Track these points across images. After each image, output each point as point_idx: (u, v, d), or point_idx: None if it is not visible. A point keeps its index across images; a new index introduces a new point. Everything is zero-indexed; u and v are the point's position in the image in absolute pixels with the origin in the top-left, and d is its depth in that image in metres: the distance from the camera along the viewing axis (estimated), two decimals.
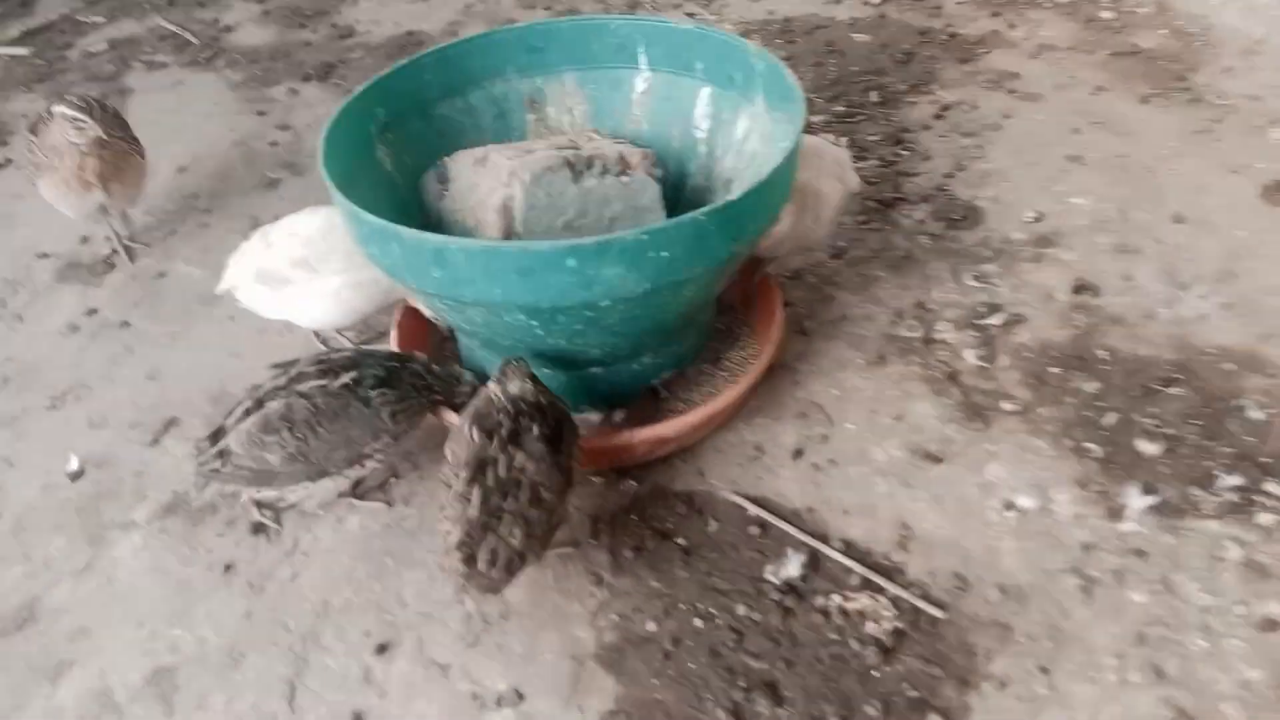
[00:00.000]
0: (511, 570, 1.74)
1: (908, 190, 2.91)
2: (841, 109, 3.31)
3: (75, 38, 4.49)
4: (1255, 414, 2.16)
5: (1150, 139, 3.01)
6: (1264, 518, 1.96)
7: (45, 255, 3.08)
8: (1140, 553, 1.93)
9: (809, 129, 2.82)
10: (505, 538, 1.71)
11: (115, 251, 2.98)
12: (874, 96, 3.33)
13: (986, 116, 3.17)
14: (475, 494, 1.72)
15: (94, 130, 2.65)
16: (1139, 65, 3.35)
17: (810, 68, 3.55)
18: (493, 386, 1.87)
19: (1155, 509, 2.00)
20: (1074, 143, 3.03)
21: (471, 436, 1.78)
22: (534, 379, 1.89)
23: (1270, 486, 2.01)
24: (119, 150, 2.76)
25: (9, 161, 3.60)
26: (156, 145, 2.92)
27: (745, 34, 3.78)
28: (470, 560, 1.70)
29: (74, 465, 2.34)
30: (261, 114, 3.71)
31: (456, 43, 2.30)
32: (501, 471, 1.74)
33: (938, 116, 3.20)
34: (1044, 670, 1.77)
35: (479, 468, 1.74)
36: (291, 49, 4.15)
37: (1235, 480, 2.03)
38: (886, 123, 3.20)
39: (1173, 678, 1.75)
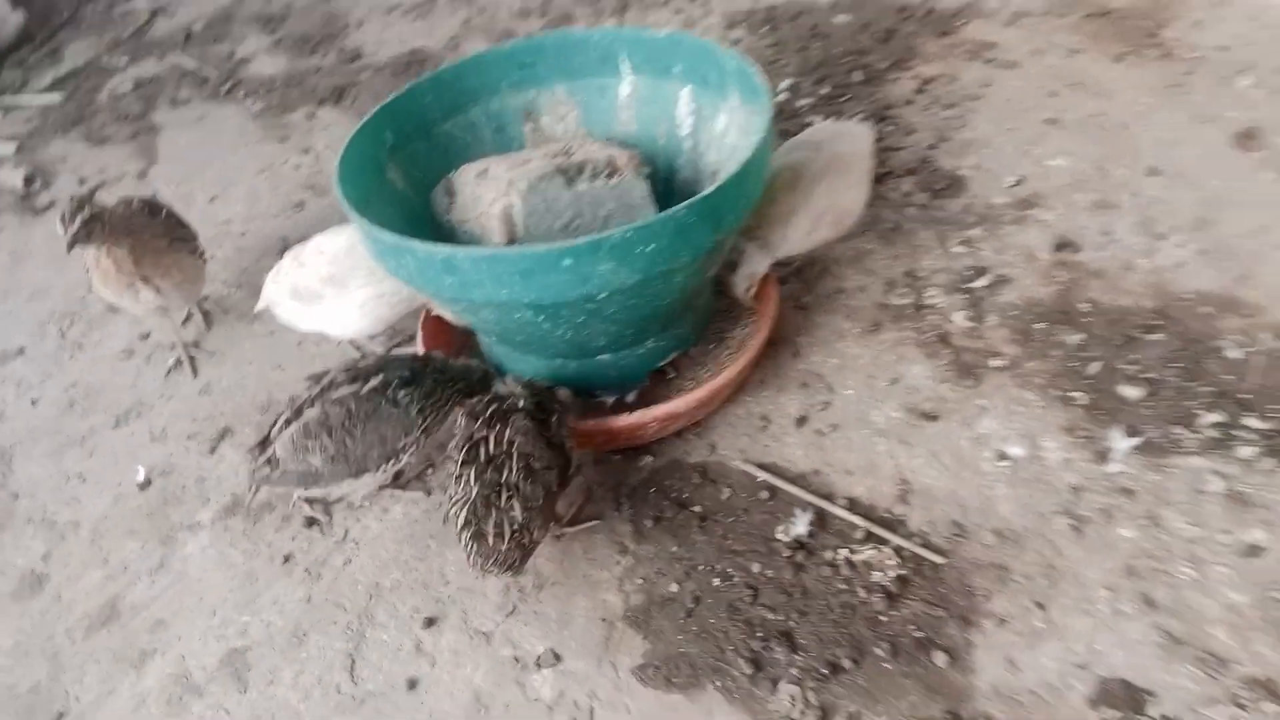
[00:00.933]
0: (522, 544, 1.84)
1: (894, 164, 2.96)
2: (828, 90, 3.36)
3: (103, 80, 4.62)
4: (1233, 353, 2.20)
5: (1124, 96, 3.03)
6: (1244, 450, 2.02)
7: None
8: (1127, 491, 2.00)
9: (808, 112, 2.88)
10: (506, 510, 1.82)
11: (179, 362, 2.78)
12: (858, 76, 3.37)
13: (966, 87, 3.21)
14: (470, 473, 1.84)
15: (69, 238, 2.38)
16: (1111, 25, 3.37)
17: (795, 53, 3.59)
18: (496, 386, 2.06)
19: (1140, 449, 2.06)
20: (1052, 106, 3.06)
21: (460, 423, 1.93)
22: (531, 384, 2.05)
23: (1249, 421, 2.07)
24: (155, 250, 2.53)
25: (53, 203, 3.73)
26: (189, 178, 3.04)
27: (732, 24, 3.84)
28: (479, 536, 1.82)
29: (141, 476, 2.49)
30: (283, 140, 3.81)
31: (452, 66, 2.38)
32: (491, 448, 1.85)
33: (919, 91, 3.24)
34: (1040, 606, 1.85)
35: (471, 448, 1.86)
36: (304, 76, 4.25)
37: (1215, 417, 2.09)
38: (871, 101, 3.25)
39: (1163, 606, 1.82)
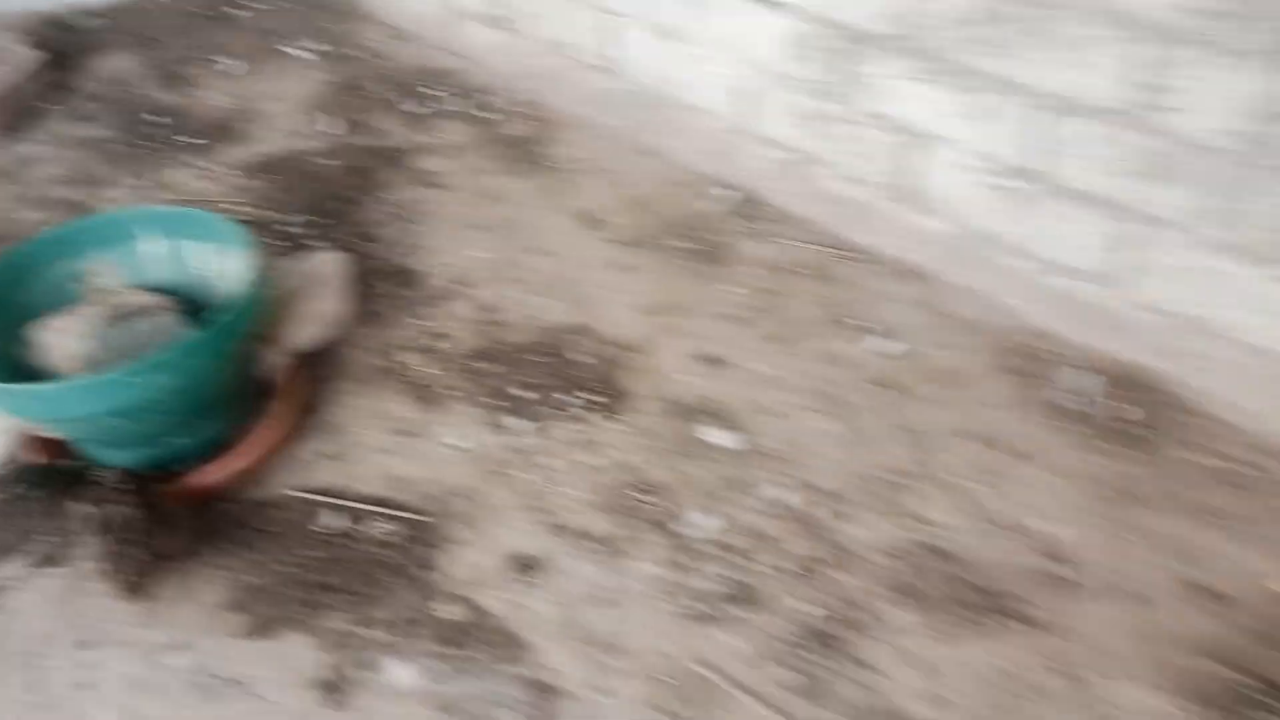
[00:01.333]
0: (143, 574, 2.60)
1: (374, 269, 3.95)
2: (324, 218, 4.28)
3: None
4: (578, 358, 3.45)
5: (522, 201, 4.19)
6: (584, 413, 3.23)
7: None
8: (525, 451, 3.09)
9: (298, 242, 3.80)
10: (130, 560, 2.57)
11: None
12: (346, 205, 4.32)
13: (420, 206, 4.23)
14: (95, 542, 2.55)
15: None
16: (511, 150, 4.55)
17: (299, 191, 4.45)
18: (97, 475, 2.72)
19: (532, 428, 3.22)
20: (477, 214, 4.13)
21: (74, 512, 2.59)
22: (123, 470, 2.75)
23: (586, 397, 3.30)
24: None
25: None
26: None
27: (249, 173, 4.61)
28: (114, 577, 2.56)
29: None
30: None
31: (12, 250, 2.98)
32: (110, 522, 2.55)
33: (389, 212, 4.23)
34: (480, 529, 2.91)
35: (95, 527, 2.56)
36: None
37: (569, 398, 3.30)
38: (356, 223, 4.18)
39: (545, 510, 2.92)
